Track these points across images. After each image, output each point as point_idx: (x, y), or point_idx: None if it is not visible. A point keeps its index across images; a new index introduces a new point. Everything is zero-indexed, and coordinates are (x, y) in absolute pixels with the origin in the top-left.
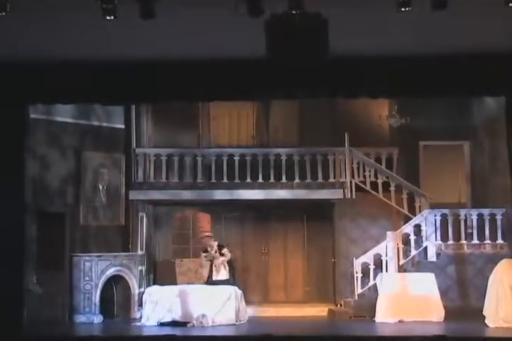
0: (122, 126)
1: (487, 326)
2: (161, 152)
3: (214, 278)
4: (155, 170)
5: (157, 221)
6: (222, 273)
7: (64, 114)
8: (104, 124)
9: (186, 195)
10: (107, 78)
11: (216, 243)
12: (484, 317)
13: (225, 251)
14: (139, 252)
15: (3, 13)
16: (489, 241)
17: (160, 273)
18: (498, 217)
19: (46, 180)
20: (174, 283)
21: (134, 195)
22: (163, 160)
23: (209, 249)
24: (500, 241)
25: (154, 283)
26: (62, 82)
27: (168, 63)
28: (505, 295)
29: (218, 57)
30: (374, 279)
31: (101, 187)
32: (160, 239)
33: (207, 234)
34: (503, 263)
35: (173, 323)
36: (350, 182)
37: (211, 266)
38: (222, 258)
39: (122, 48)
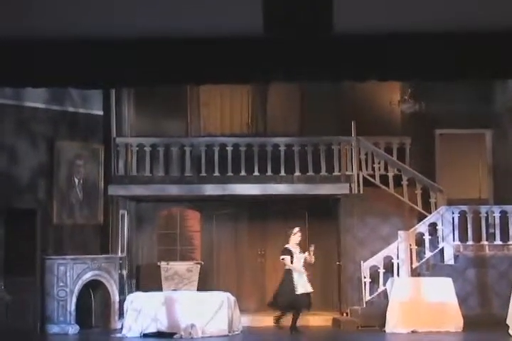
0: (101, 113)
1: (511, 336)
2: (145, 142)
3: (300, 292)
4: (138, 162)
5: (140, 219)
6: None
7: (35, 98)
8: (81, 110)
9: (173, 190)
10: (82, 58)
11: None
12: (508, 326)
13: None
14: (120, 254)
15: None
16: None
17: (143, 278)
18: None
19: (15, 174)
20: (159, 288)
21: (114, 190)
22: (147, 150)
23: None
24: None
25: (137, 289)
26: (31, 62)
27: (152, 41)
28: None
29: (209, 35)
30: (384, 285)
31: (77, 181)
32: (143, 240)
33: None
34: None
35: (158, 334)
36: (358, 176)
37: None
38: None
39: (100, 24)
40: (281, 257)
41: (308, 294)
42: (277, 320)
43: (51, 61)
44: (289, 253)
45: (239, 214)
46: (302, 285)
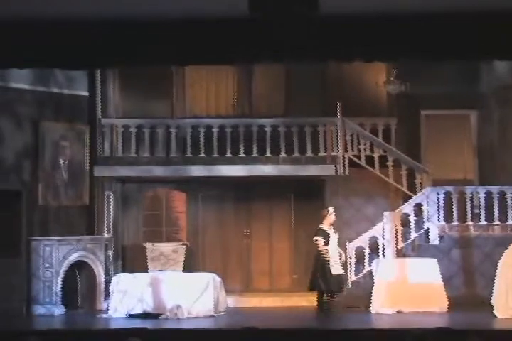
0: (86, 94)
1: (495, 317)
2: (130, 123)
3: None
4: (123, 144)
5: (126, 200)
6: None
7: (20, 79)
8: (66, 91)
9: (158, 171)
10: (67, 39)
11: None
12: (492, 307)
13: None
14: (106, 235)
15: None
16: (498, 223)
17: (129, 259)
18: (509, 196)
19: (0, 155)
20: (145, 270)
21: (99, 171)
22: (133, 132)
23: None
24: (510, 222)
25: (123, 270)
26: (16, 42)
27: (136, 22)
28: None
29: (194, 16)
30: (369, 265)
31: (62, 162)
32: (129, 221)
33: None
34: None
35: (144, 315)
36: (343, 157)
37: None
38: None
39: (85, 4)
40: (315, 238)
41: (340, 275)
42: (322, 304)
43: (36, 42)
44: (324, 234)
45: (224, 195)
46: (336, 266)
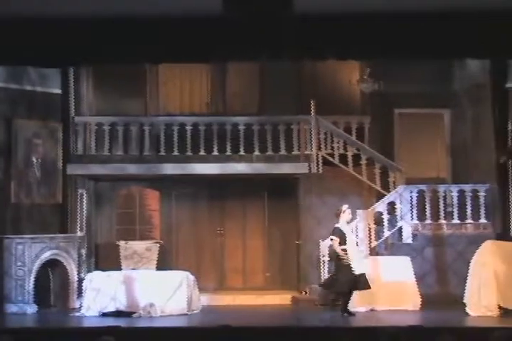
0: (59, 91)
1: (468, 315)
2: (104, 120)
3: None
4: (96, 141)
5: (99, 198)
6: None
7: None
8: (39, 89)
9: (132, 169)
10: (41, 36)
11: None
12: (465, 305)
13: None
14: (79, 233)
15: None
16: (471, 221)
17: (102, 257)
18: (481, 194)
19: None
20: (118, 268)
21: (72, 170)
22: (106, 129)
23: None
24: (483, 220)
25: (96, 269)
26: None
27: (110, 20)
28: (488, 281)
29: (168, 14)
30: None
31: (35, 160)
32: (102, 219)
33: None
34: (487, 245)
35: (117, 313)
36: (317, 155)
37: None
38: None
39: (58, 3)
40: (331, 237)
41: (364, 274)
42: (344, 306)
43: (9, 40)
44: (340, 233)
45: (198, 193)
46: (357, 265)
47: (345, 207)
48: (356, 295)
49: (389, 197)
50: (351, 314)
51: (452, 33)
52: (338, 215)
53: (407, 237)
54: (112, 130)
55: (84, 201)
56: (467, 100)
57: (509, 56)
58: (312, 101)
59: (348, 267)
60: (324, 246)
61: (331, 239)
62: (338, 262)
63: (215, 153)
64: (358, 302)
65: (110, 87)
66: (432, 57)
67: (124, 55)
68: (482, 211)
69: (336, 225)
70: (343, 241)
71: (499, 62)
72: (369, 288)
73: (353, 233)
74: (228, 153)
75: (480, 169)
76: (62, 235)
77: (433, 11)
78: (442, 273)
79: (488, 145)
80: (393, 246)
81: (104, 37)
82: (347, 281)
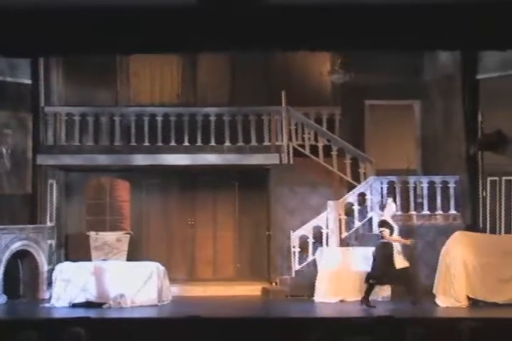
0: (29, 81)
1: (437, 305)
2: (74, 111)
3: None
4: (67, 132)
5: (69, 189)
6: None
7: None
8: (8, 79)
9: (102, 159)
10: (11, 26)
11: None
12: (434, 295)
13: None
14: (49, 224)
15: None
16: (441, 212)
17: (72, 248)
18: (451, 185)
19: None
20: (89, 259)
21: (42, 160)
22: (76, 120)
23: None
24: (453, 211)
25: (66, 259)
26: None
27: (81, 10)
28: (458, 272)
29: (140, 4)
30: (313, 254)
31: (4, 150)
32: (72, 210)
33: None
34: (456, 236)
35: (87, 304)
36: (288, 146)
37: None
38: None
39: None
40: (381, 229)
41: (405, 268)
42: (367, 298)
43: None
44: (389, 226)
45: (169, 184)
46: (401, 259)
47: (389, 200)
48: (327, 285)
49: (359, 188)
50: (370, 305)
51: (423, 25)
52: (383, 208)
53: (377, 228)
54: (83, 120)
55: (54, 191)
56: (437, 91)
57: (479, 48)
58: (283, 92)
59: (391, 260)
60: (295, 237)
61: (381, 231)
62: (387, 254)
63: (186, 143)
64: (328, 293)
65: (81, 77)
66: (402, 48)
67: (94, 46)
68: (452, 202)
69: (383, 218)
70: (391, 233)
71: (469, 53)
72: (408, 284)
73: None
74: (199, 143)
75: (450, 160)
76: (31, 226)
77: (404, 3)
78: (412, 263)
79: (458, 137)
80: (363, 237)
81: (74, 27)
82: (384, 274)
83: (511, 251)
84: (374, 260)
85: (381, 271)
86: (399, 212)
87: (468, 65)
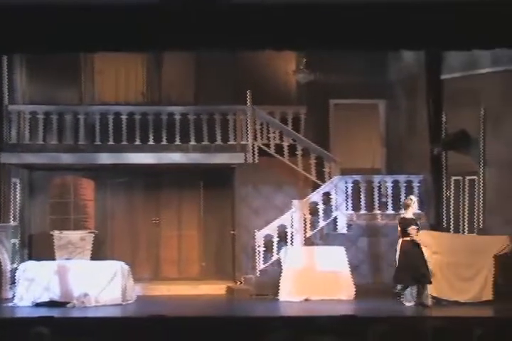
0: None
1: (402, 304)
2: (38, 109)
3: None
4: (30, 130)
5: (33, 188)
6: None
7: None
8: None
9: (66, 158)
10: None
11: None
12: (398, 294)
13: None
14: (12, 223)
15: None
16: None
17: (36, 247)
18: (415, 185)
19: None
20: (52, 258)
21: (6, 158)
22: (40, 118)
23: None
24: (417, 211)
25: (29, 258)
26: None
27: (45, 7)
28: None
29: (104, 2)
30: (278, 253)
31: None
32: (36, 209)
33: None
34: (421, 236)
35: (51, 303)
36: (253, 145)
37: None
38: None
39: None
40: (412, 227)
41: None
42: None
43: None
44: (416, 224)
45: (133, 183)
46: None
47: (414, 197)
48: (291, 284)
49: (324, 188)
50: (425, 305)
51: (387, 25)
52: (407, 206)
53: (341, 227)
54: (47, 119)
55: (18, 190)
56: (402, 91)
57: (443, 48)
58: (248, 92)
59: (423, 259)
60: (260, 236)
61: (412, 229)
62: (408, 253)
63: (151, 142)
64: (292, 292)
65: (45, 75)
66: (367, 48)
67: (58, 44)
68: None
69: (406, 216)
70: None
71: (434, 53)
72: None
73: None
74: (164, 142)
75: (414, 160)
76: None
77: (368, 2)
78: (376, 263)
79: (423, 136)
80: (328, 236)
81: (38, 25)
82: (414, 273)
83: (474, 251)
84: (404, 259)
85: (410, 271)
86: (363, 211)
87: (432, 65)
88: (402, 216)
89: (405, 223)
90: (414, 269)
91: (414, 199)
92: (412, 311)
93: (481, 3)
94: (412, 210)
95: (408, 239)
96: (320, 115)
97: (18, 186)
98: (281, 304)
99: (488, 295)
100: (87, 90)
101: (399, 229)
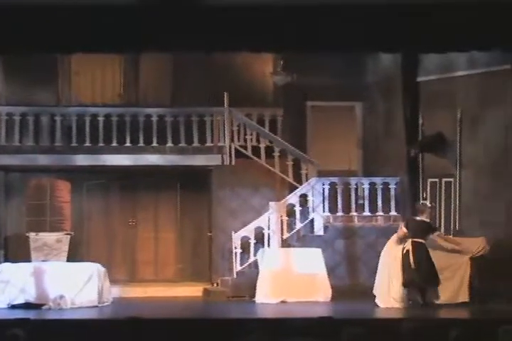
0: None
1: (377, 306)
2: (14, 110)
3: None
4: (7, 132)
5: (9, 189)
6: None
7: None
8: None
9: (43, 160)
10: None
11: None
12: (375, 296)
13: None
14: None
15: None
16: (381, 213)
17: (12, 249)
18: (392, 187)
19: None
20: (28, 260)
21: None
22: (17, 119)
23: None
24: (393, 213)
25: (5, 260)
26: None
27: (21, 7)
28: (397, 273)
29: (80, 2)
30: (255, 255)
31: None
32: (12, 210)
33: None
34: (397, 238)
35: (27, 305)
36: (230, 147)
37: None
38: None
39: None
40: (438, 233)
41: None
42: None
43: None
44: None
45: (110, 184)
46: None
47: (429, 203)
48: (268, 286)
49: (301, 190)
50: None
51: (364, 27)
52: (423, 211)
53: (318, 229)
54: (23, 120)
55: None
56: (379, 93)
57: (420, 50)
58: (225, 93)
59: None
60: (237, 238)
61: (438, 234)
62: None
63: (128, 144)
64: (269, 294)
65: (21, 76)
66: (344, 50)
67: (35, 45)
68: (392, 203)
69: (425, 220)
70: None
71: (410, 55)
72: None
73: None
74: (141, 144)
75: (391, 162)
76: None
77: (344, 4)
78: (353, 264)
79: (399, 138)
80: (305, 238)
81: (14, 25)
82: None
83: (450, 252)
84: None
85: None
86: (340, 213)
87: (408, 68)
88: (419, 219)
89: (433, 229)
90: (427, 271)
91: (429, 204)
92: (388, 313)
93: (457, 6)
94: (428, 216)
95: (422, 241)
96: (297, 117)
97: None
98: (258, 306)
99: (464, 296)
100: (64, 91)
101: (405, 231)
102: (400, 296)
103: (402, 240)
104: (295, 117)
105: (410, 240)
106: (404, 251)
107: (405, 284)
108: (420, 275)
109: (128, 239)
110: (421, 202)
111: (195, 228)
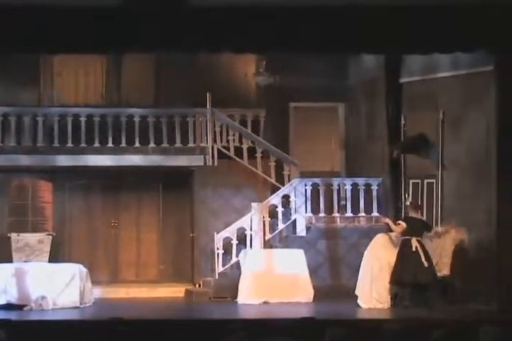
0: None
1: (360, 307)
2: None
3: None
4: None
5: None
6: None
7: None
8: None
9: (25, 160)
10: None
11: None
12: (357, 297)
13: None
14: None
15: None
16: (364, 214)
17: None
18: (374, 188)
19: None
20: (10, 260)
21: None
22: None
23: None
24: (375, 213)
25: None
26: None
27: (1, 8)
28: (379, 273)
29: (64, 4)
30: (237, 256)
31: None
32: None
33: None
34: (379, 238)
35: (8, 306)
36: (212, 148)
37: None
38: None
39: None
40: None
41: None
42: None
43: None
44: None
45: (92, 185)
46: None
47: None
48: (250, 287)
49: (283, 190)
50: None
51: (347, 28)
52: (417, 209)
53: (301, 230)
54: (4, 120)
55: None
56: (362, 94)
57: (403, 51)
58: (208, 94)
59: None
60: (219, 238)
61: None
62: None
63: (110, 144)
64: (251, 295)
65: (3, 76)
66: (326, 51)
67: (18, 45)
68: (375, 204)
69: (422, 218)
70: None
71: (393, 57)
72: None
73: None
74: (123, 144)
75: (373, 163)
76: None
77: (328, 6)
78: (335, 265)
79: (382, 139)
80: (287, 239)
81: None
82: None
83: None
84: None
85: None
86: (322, 214)
87: (391, 69)
88: (418, 217)
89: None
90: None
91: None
92: (371, 313)
93: (441, 8)
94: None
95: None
96: (279, 118)
97: None
98: (240, 307)
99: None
100: (46, 92)
101: (404, 227)
102: (383, 297)
103: (396, 238)
104: (278, 118)
105: (415, 238)
106: (413, 249)
107: (400, 283)
108: (432, 274)
109: (110, 240)
110: (408, 202)
111: (178, 229)
